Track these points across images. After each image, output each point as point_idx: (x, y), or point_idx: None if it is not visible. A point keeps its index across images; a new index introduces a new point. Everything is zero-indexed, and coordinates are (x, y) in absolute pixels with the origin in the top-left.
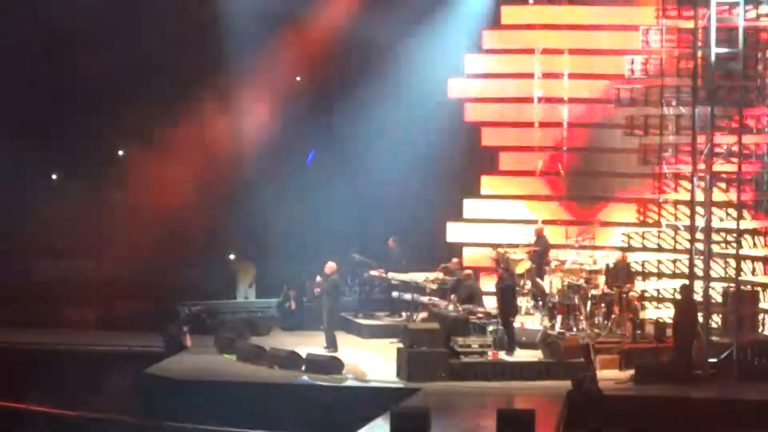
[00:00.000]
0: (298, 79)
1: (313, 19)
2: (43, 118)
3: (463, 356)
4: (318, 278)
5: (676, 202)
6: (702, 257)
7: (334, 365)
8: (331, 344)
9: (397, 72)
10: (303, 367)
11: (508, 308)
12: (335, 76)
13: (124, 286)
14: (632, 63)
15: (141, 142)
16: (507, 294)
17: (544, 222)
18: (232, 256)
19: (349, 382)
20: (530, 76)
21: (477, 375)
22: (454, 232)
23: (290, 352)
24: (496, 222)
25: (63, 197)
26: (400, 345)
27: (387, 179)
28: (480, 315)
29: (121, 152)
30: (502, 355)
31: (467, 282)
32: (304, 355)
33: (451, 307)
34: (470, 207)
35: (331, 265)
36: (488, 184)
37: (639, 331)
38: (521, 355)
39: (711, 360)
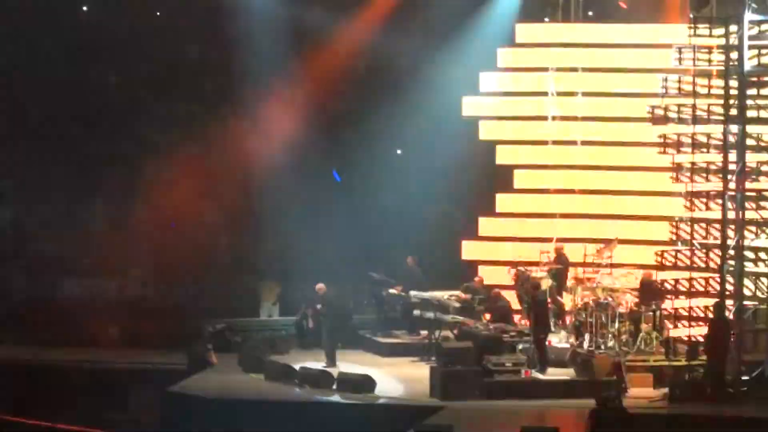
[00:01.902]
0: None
1: (334, 41)
2: (67, 137)
3: (497, 375)
4: (318, 306)
5: (708, 221)
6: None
7: (366, 384)
8: (331, 360)
9: (414, 91)
10: (334, 386)
11: (541, 326)
12: (355, 95)
13: (148, 304)
14: (665, 81)
15: (165, 162)
16: (540, 312)
17: (560, 240)
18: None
19: (382, 401)
20: (545, 94)
21: (511, 393)
22: (469, 250)
23: (321, 371)
24: (512, 240)
25: (88, 216)
26: (422, 363)
27: (404, 198)
28: (513, 333)
29: (145, 169)
30: (535, 374)
31: (499, 301)
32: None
33: (479, 325)
34: (485, 225)
35: (320, 286)
36: (503, 202)
37: (670, 349)
38: (552, 374)
39: (743, 378)
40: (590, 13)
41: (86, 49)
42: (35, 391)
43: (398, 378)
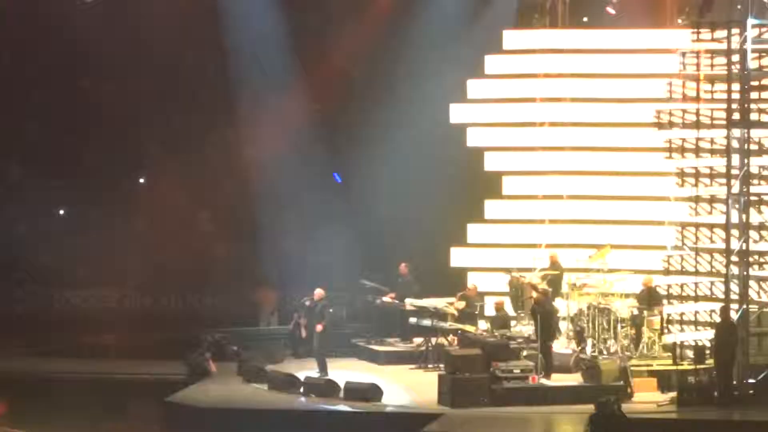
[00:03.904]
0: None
1: (329, 48)
2: (65, 146)
3: (505, 381)
4: (308, 302)
5: (711, 226)
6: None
7: (373, 392)
8: (323, 369)
9: (408, 98)
10: (341, 395)
11: (547, 332)
12: (345, 104)
13: (146, 314)
14: (670, 86)
15: (163, 171)
16: (547, 318)
17: (549, 246)
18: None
19: (390, 409)
20: (533, 100)
21: (519, 400)
22: (458, 258)
23: (327, 380)
24: (501, 247)
25: (85, 226)
26: (420, 371)
27: (395, 206)
28: (519, 340)
29: (142, 180)
30: (541, 380)
31: (501, 312)
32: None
33: (484, 332)
34: (474, 232)
35: (319, 292)
36: (492, 208)
37: (677, 353)
38: (558, 379)
39: (749, 381)
40: (585, 19)
41: (81, 58)
42: (34, 403)
43: (402, 386)
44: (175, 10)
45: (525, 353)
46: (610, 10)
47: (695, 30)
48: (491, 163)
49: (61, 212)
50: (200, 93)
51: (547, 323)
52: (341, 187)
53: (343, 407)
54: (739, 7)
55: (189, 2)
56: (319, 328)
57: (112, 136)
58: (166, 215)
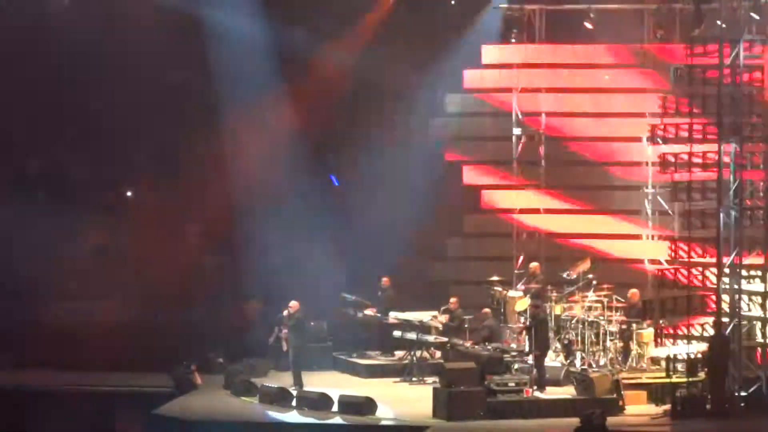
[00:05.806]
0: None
1: (316, 63)
2: (53, 159)
3: (500, 394)
4: (285, 313)
5: (704, 239)
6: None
7: (367, 406)
8: (297, 382)
9: (394, 112)
10: (334, 409)
11: (540, 345)
12: (327, 119)
13: (133, 326)
14: (664, 101)
15: (150, 184)
16: (540, 330)
17: (527, 257)
18: None
19: (386, 422)
20: (509, 114)
21: (514, 413)
22: (438, 271)
23: (321, 393)
24: (481, 259)
25: (72, 239)
26: (405, 384)
27: (375, 219)
28: (513, 353)
29: (129, 193)
30: (535, 393)
31: (487, 321)
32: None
33: (476, 346)
34: (454, 245)
35: (293, 304)
36: (471, 222)
37: (659, 366)
38: (552, 392)
39: (741, 393)
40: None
41: (69, 73)
42: (20, 415)
43: (389, 399)
44: (161, 25)
45: (516, 366)
46: (588, 25)
47: (688, 45)
48: (469, 176)
49: (48, 224)
50: (187, 107)
51: (542, 336)
52: (326, 199)
53: (337, 420)
54: (722, 25)
55: (175, 16)
56: (284, 332)
57: (101, 151)
58: (152, 228)
